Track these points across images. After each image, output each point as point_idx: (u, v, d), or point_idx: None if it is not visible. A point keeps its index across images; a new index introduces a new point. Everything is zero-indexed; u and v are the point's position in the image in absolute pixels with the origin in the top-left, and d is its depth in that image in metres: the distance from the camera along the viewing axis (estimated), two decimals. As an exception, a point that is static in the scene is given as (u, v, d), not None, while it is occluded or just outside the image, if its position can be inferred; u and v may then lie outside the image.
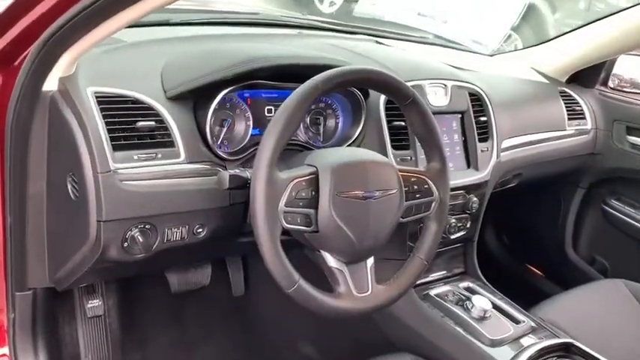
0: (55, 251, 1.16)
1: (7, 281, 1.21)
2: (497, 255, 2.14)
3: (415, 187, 1.08)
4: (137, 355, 1.54)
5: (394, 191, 1.02)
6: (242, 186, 1.02)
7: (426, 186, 1.09)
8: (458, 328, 1.28)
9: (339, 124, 1.29)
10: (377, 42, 1.74)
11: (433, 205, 1.11)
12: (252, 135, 1.18)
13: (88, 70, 1.06)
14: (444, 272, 1.49)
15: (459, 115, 1.44)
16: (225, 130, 1.14)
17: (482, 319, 1.29)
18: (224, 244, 1.26)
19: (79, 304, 1.40)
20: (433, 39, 2.01)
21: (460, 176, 1.39)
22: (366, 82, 1.05)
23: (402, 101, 1.07)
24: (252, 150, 1.17)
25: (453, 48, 1.99)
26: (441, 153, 1.11)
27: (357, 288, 1.01)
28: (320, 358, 1.57)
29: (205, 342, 1.63)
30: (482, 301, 1.30)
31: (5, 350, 1.25)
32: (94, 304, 1.30)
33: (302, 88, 0.95)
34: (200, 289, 1.63)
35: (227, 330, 1.66)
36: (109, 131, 0.99)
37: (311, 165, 1.00)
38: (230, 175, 1.00)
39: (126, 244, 1.03)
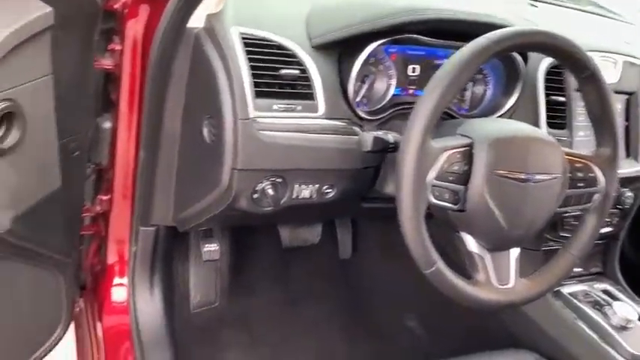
0: (183, 192, 1.15)
1: (132, 215, 1.24)
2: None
3: (579, 174, 0.94)
4: (241, 303, 1.55)
5: (557, 176, 0.90)
6: (383, 150, 0.93)
7: (591, 174, 0.95)
8: (593, 335, 1.15)
9: (488, 92, 1.16)
10: (531, 4, 1.56)
11: (596, 197, 0.96)
12: (393, 95, 1.08)
13: (235, 9, 1.00)
14: (580, 270, 1.34)
15: (626, 97, 1.26)
16: (365, 87, 1.06)
17: (623, 328, 1.14)
18: (345, 206, 1.20)
19: (195, 246, 1.41)
20: (592, 7, 1.77)
21: (617, 165, 1.22)
22: (542, 46, 0.91)
23: (580, 73, 0.92)
24: (391, 111, 1.07)
25: (614, 19, 1.75)
26: (615, 138, 0.96)
27: (498, 278, 0.90)
28: (425, 336, 1.50)
29: (306, 301, 1.61)
30: (626, 309, 1.15)
31: (125, 280, 1.29)
32: (211, 249, 1.30)
33: (471, 47, 0.84)
34: (308, 247, 1.60)
35: (330, 292, 1.63)
36: (253, 76, 0.94)
37: (465, 135, 0.89)
38: (374, 137, 0.92)
39: (255, 196, 0.99)
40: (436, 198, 0.84)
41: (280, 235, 1.53)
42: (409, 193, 0.81)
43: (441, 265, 0.85)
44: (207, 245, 1.30)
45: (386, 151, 0.94)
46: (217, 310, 1.49)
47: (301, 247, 1.58)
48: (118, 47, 1.10)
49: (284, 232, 1.53)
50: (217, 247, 1.31)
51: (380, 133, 0.94)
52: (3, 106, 0.78)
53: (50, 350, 1.13)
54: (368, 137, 0.92)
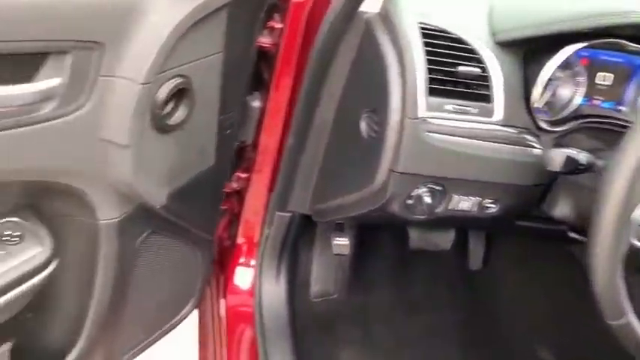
0: (325, 184, 1.10)
1: (269, 197, 1.21)
2: None
3: None
4: (359, 299, 1.49)
5: None
6: (572, 171, 0.81)
7: None
8: None
9: None
10: None
11: None
12: (580, 105, 0.94)
13: (412, -4, 0.92)
14: None
15: None
16: (549, 93, 0.93)
17: None
18: (498, 222, 1.09)
19: (322, 236, 1.36)
20: None
21: None
22: None
23: None
24: (573, 123, 0.94)
25: None
26: None
27: None
28: (559, 369, 1.36)
29: (426, 307, 1.52)
30: None
31: (252, 262, 1.28)
32: (342, 243, 1.24)
33: None
34: (435, 252, 1.50)
35: (453, 303, 1.53)
36: (429, 71, 0.85)
37: None
38: (567, 157, 0.80)
39: (409, 202, 0.91)
40: None
41: (409, 235, 1.45)
42: (609, 229, 0.69)
43: (631, 318, 0.72)
44: (338, 239, 1.25)
45: (573, 173, 0.82)
46: (335, 303, 1.45)
47: (428, 250, 1.48)
48: (278, 25, 1.06)
49: (413, 233, 1.44)
50: (348, 242, 1.25)
51: (573, 152, 0.81)
52: (177, 82, 0.76)
53: (180, 322, 1.15)
54: (558, 155, 0.80)
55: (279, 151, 1.15)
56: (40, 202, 0.77)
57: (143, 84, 0.70)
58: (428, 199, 0.90)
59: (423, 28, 0.87)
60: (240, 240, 1.28)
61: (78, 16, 0.63)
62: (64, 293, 0.85)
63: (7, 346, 0.84)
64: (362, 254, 1.50)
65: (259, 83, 1.13)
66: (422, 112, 0.85)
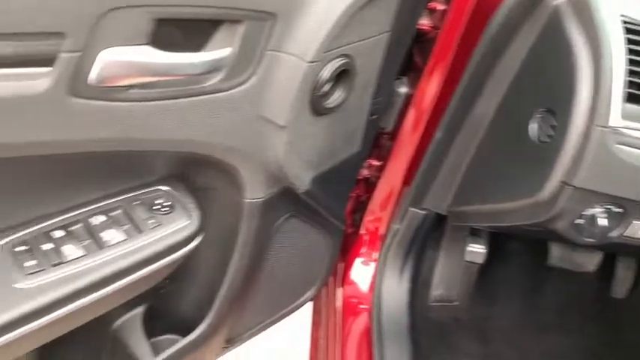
0: (472, 186, 1.01)
1: (402, 190, 1.14)
2: None
3: None
4: (482, 310, 1.38)
5: None
6: None
7: None
8: None
9: None
10: None
11: None
12: None
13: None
14: None
15: None
16: None
17: None
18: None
19: (451, 238, 1.27)
20: None
21: None
22: None
23: None
24: None
25: None
26: None
27: None
28: None
29: (556, 332, 1.38)
30: None
31: (375, 254, 1.22)
32: (477, 250, 1.14)
33: None
34: (576, 272, 1.35)
35: (589, 331, 1.37)
36: (629, 73, 0.72)
37: None
38: None
39: (579, 221, 0.79)
40: None
41: (550, 251, 1.31)
42: None
43: None
44: (473, 245, 1.15)
45: None
46: (455, 310, 1.35)
47: (568, 269, 1.34)
48: (441, 7, 0.97)
49: (555, 249, 1.30)
50: (483, 251, 1.15)
51: None
52: (341, 62, 0.71)
53: (301, 306, 1.12)
54: None
55: (421, 142, 1.07)
56: (191, 173, 0.76)
57: (310, 62, 0.65)
58: (603, 222, 0.78)
59: (626, 22, 0.74)
60: (363, 230, 1.23)
61: None
62: (201, 266, 0.84)
63: (140, 309, 0.86)
64: (492, 262, 1.38)
65: (408, 68, 1.05)
66: (615, 120, 0.72)
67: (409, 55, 1.05)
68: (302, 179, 0.79)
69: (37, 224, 0.63)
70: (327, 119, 0.77)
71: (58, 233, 0.63)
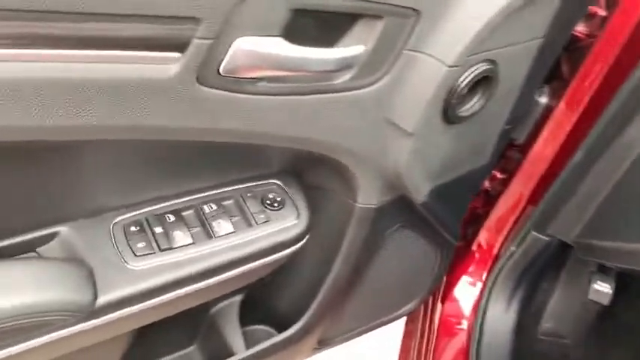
0: (611, 218, 0.89)
1: (527, 212, 1.04)
2: None
3: None
4: (595, 355, 1.24)
5: None
6: None
7: None
8: None
9: None
10: None
11: None
12: None
13: None
14: None
15: None
16: None
17: None
18: None
19: (576, 273, 1.14)
20: None
21: None
22: None
23: None
24: None
25: None
26: None
27: None
28: None
29: None
30: None
31: (483, 275, 1.13)
32: (603, 290, 1.01)
33: None
34: None
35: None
36: None
37: None
38: None
39: None
40: None
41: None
42: None
43: None
44: (600, 284, 1.02)
45: None
46: (565, 348, 1.23)
47: None
48: (601, 12, 0.85)
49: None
50: (610, 292, 1.02)
51: None
52: (484, 68, 0.63)
53: (400, 317, 1.07)
54: None
55: (555, 160, 0.96)
56: (305, 171, 0.73)
57: (450, 66, 0.59)
58: None
59: None
60: (475, 246, 1.14)
61: None
62: (305, 264, 0.82)
63: (238, 297, 0.85)
64: (615, 302, 1.23)
65: (552, 76, 0.94)
66: None
67: (556, 62, 0.94)
68: (421, 190, 0.73)
69: (151, 205, 0.63)
70: (458, 128, 0.70)
71: (171, 217, 0.63)
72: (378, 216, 0.75)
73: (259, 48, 0.49)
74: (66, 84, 0.44)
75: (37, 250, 0.57)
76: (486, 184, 1.12)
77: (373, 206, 0.73)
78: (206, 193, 0.66)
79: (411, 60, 0.59)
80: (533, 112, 0.95)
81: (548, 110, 0.94)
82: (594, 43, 0.86)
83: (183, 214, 0.64)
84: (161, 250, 0.60)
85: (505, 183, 1.08)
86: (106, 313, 0.56)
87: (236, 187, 0.68)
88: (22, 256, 0.56)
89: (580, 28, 0.87)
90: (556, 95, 0.93)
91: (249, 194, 0.68)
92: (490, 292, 1.10)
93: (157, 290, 0.58)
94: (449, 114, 0.66)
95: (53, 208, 0.57)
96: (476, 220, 1.14)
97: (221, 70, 0.49)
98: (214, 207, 0.65)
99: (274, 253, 0.67)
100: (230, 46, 0.48)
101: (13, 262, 0.53)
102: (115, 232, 0.60)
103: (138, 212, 0.62)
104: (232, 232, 0.64)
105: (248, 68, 0.50)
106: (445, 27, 0.58)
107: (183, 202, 0.65)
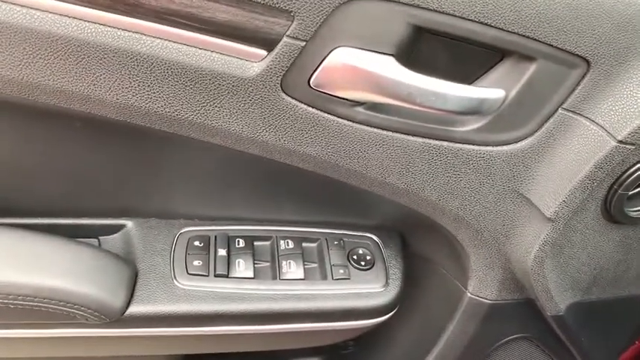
0: None
1: None
2: None
3: None
4: None
5: None
6: None
7: None
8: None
9: None
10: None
11: None
12: None
13: None
14: None
15: None
16: None
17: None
18: None
19: None
20: None
21: None
22: None
23: None
24: None
25: None
26: None
27: None
28: None
29: None
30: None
31: None
32: None
33: None
34: None
35: None
36: None
37: None
38: None
39: None
40: None
41: None
42: None
43: None
44: None
45: None
46: None
47: None
48: None
49: None
50: None
51: None
52: None
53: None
54: None
55: None
56: (412, 234, 0.61)
57: (621, 142, 0.43)
58: None
59: None
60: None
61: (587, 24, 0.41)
62: (395, 344, 0.68)
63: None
64: None
65: None
66: None
67: None
68: (555, 299, 0.55)
69: (227, 225, 0.57)
70: (624, 231, 0.52)
71: (240, 242, 0.55)
72: (492, 315, 0.59)
73: (363, 64, 0.40)
74: (135, 57, 0.40)
75: (100, 238, 0.54)
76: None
77: (488, 301, 0.58)
78: (290, 228, 0.58)
79: (567, 123, 0.45)
80: None
81: None
82: None
83: (256, 243, 0.56)
84: (215, 276, 0.53)
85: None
86: (133, 326, 0.50)
87: (325, 230, 0.58)
88: (81, 239, 0.53)
89: None
90: None
91: (335, 242, 0.58)
92: None
93: (198, 318, 0.51)
94: (613, 208, 0.49)
95: (127, 199, 0.54)
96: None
97: (312, 82, 0.41)
98: (291, 245, 0.56)
99: (350, 319, 0.56)
100: (327, 55, 0.40)
101: (62, 243, 0.50)
102: (179, 242, 0.55)
103: (210, 228, 0.56)
104: (301, 279, 0.54)
105: (345, 85, 0.41)
106: (622, 89, 0.43)
107: (262, 230, 0.57)
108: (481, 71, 0.45)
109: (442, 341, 0.63)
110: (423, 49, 0.42)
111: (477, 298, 0.58)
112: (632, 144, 0.44)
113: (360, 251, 0.58)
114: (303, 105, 0.42)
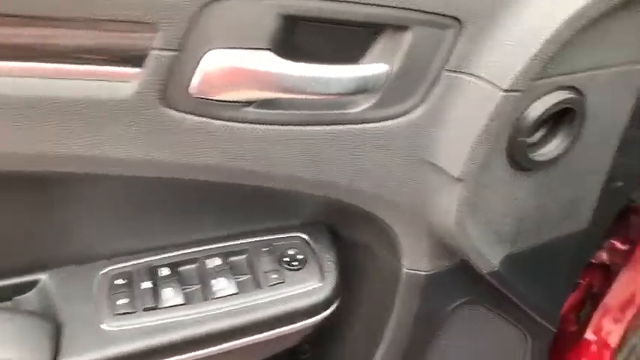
0: None
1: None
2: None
3: None
4: None
5: None
6: None
7: None
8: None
9: None
10: None
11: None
12: None
13: None
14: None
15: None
16: None
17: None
18: None
19: None
20: None
21: None
22: None
23: None
24: None
25: None
26: None
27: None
28: None
29: None
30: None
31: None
32: None
33: None
34: None
35: None
36: None
37: None
38: None
39: None
40: None
41: None
42: None
43: None
44: None
45: None
46: None
47: None
48: None
49: None
50: None
51: None
52: (561, 98, 0.48)
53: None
54: None
55: None
56: (340, 224, 0.61)
57: (507, 91, 0.45)
58: None
59: None
60: (589, 334, 0.91)
61: None
62: (349, 336, 0.68)
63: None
64: None
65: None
66: None
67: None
68: (486, 256, 0.57)
69: (149, 256, 0.55)
70: (535, 177, 0.54)
71: (164, 271, 0.54)
72: (432, 285, 0.60)
73: (240, 63, 0.40)
74: (15, 101, 0.38)
75: (15, 298, 0.51)
76: (604, 256, 0.91)
77: (424, 273, 0.58)
78: (215, 245, 0.56)
79: (454, 84, 0.46)
80: None
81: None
82: None
83: (181, 268, 0.54)
84: (144, 310, 0.51)
85: (627, 256, 0.86)
86: (63, 380, 0.47)
87: (252, 239, 0.57)
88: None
89: None
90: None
91: (264, 249, 0.57)
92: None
93: (131, 357, 0.48)
94: (518, 157, 0.51)
95: (37, 252, 0.51)
96: (591, 301, 0.92)
97: (191, 91, 0.40)
98: (219, 262, 0.55)
99: (292, 322, 0.55)
100: (199, 61, 0.39)
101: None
102: (100, 284, 0.52)
103: (131, 263, 0.54)
104: (234, 294, 0.53)
105: (227, 88, 0.41)
106: (498, 40, 0.45)
107: (186, 253, 0.55)
108: (363, 50, 0.45)
109: (392, 322, 0.63)
110: (301, 38, 0.42)
111: (414, 272, 0.58)
112: (518, 90, 0.45)
113: (291, 252, 0.57)
114: (189, 116, 0.41)
